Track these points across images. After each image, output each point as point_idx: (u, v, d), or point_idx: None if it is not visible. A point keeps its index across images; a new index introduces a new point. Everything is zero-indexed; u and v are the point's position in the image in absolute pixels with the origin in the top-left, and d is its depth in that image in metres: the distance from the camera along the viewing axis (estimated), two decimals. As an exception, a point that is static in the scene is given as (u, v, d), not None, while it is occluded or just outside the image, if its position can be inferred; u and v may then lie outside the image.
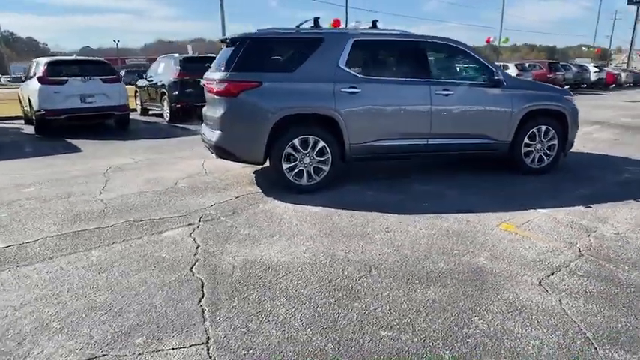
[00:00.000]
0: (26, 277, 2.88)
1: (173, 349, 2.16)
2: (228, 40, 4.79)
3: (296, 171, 4.64)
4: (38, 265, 3.05)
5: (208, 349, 2.15)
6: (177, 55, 11.50)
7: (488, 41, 43.26)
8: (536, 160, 5.43)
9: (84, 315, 2.44)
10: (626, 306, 2.53)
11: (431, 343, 2.20)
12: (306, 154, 4.61)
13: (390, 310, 2.49)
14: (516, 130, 5.20)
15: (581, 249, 3.31)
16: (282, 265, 3.04)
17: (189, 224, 3.83)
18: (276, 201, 4.46)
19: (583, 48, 78.65)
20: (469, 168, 5.74)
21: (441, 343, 2.20)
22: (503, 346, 2.18)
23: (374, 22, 5.09)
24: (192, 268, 3.01)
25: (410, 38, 4.97)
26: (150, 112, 12.70)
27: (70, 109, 8.90)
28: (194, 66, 10.83)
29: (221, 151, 4.63)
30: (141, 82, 12.89)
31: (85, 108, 9.11)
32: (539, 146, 5.39)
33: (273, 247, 3.34)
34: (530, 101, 5.21)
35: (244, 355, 2.12)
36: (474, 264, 3.06)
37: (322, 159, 4.67)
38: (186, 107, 10.73)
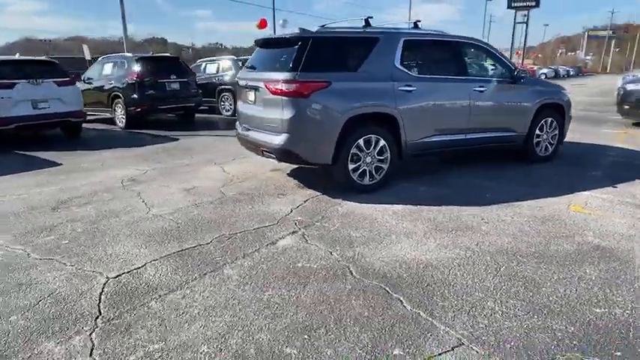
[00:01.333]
0: (189, 308, 2.55)
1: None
2: (285, 39, 4.61)
3: (360, 171, 4.64)
4: (183, 292, 2.71)
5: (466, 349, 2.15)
6: (130, 54, 10.51)
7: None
8: (543, 149, 6.08)
9: (346, 330, 2.27)
10: None
11: (644, 314, 2.45)
12: (368, 153, 4.64)
13: (576, 290, 2.70)
14: (531, 122, 5.77)
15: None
16: (437, 263, 3.08)
17: (293, 232, 3.66)
18: (347, 202, 4.42)
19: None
20: (480, 161, 6.16)
21: (651, 313, 2.45)
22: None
23: (415, 23, 5.26)
24: (354, 273, 2.92)
25: (448, 38, 5.25)
26: (89, 119, 11.38)
27: (20, 117, 7.68)
28: (153, 66, 10.05)
29: (287, 154, 4.44)
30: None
31: (38, 115, 7.92)
32: (545, 136, 6.04)
33: (404, 247, 3.36)
34: (542, 96, 5.83)
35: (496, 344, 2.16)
36: (591, 243, 3.41)
37: (382, 157, 4.74)
38: (147, 111, 9.89)
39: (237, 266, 3.05)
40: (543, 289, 2.72)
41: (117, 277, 2.90)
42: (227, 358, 2.11)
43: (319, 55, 4.37)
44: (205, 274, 2.94)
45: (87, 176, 5.58)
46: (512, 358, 2.09)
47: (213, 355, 2.12)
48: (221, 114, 12.65)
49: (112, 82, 10.30)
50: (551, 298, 2.61)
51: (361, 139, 4.55)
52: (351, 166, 4.57)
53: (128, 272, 2.97)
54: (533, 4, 42.29)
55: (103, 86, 10.58)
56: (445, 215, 4.04)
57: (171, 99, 10.20)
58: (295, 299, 2.62)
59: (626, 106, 9.24)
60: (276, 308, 2.52)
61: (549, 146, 6.14)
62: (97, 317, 2.44)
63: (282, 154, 4.46)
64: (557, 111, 6.10)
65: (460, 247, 3.33)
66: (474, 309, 2.50)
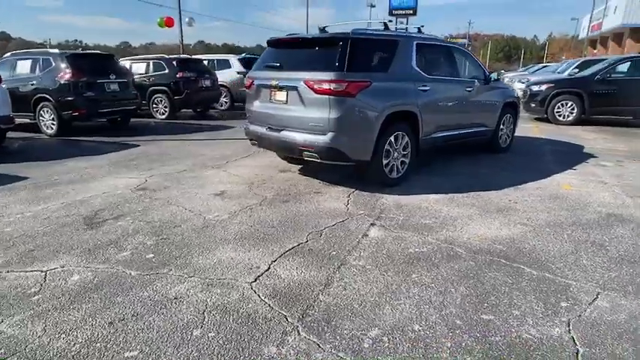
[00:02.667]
0: (369, 297, 2.68)
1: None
2: (321, 39, 4.81)
3: (390, 166, 5.03)
4: (340, 284, 2.81)
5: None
6: (56, 50, 9.26)
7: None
8: (504, 141, 7.16)
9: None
10: None
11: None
12: (396, 149, 5.04)
13: (629, 244, 3.47)
14: (498, 118, 6.77)
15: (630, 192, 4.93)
16: (515, 237, 3.63)
17: (372, 224, 3.90)
18: (386, 195, 4.78)
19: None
20: (458, 154, 6.97)
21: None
22: None
23: (419, 29, 5.78)
24: (463, 253, 3.30)
25: (444, 42, 5.92)
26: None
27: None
28: (88, 65, 9.08)
29: (333, 152, 4.60)
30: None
31: (-37, 122, 6.69)
32: (505, 130, 7.12)
33: (476, 228, 3.85)
34: (505, 95, 6.88)
35: None
36: (602, 212, 4.29)
37: (405, 152, 5.18)
38: (87, 116, 8.91)
39: (358, 257, 3.22)
40: (608, 246, 3.44)
41: (256, 280, 2.87)
42: (447, 336, 2.34)
43: (358, 56, 4.63)
44: (339, 266, 3.06)
45: (82, 189, 5.00)
46: (642, 297, 2.69)
47: (423, 334, 2.34)
48: (154, 117, 11.86)
49: (34, 82, 9.01)
50: (618, 252, 3.32)
51: (392, 136, 4.92)
52: (384, 161, 4.92)
53: (263, 274, 2.94)
54: (411, 12, 46.68)
55: (19, 88, 9.16)
56: (479, 200, 4.64)
57: (111, 101, 9.32)
58: (441, 277, 2.92)
59: (532, 104, 11.13)
60: (435, 287, 2.79)
61: (507, 139, 7.25)
62: (295, 319, 2.44)
63: (329, 152, 4.61)
64: (513, 107, 7.23)
65: (519, 224, 3.94)
66: (579, 266, 3.09)
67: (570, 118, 10.65)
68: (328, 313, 2.49)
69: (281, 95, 4.91)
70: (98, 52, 10.88)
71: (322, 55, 4.71)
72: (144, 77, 11.83)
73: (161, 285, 2.80)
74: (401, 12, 48.01)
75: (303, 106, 4.68)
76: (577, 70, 12.86)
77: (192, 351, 2.15)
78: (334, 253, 3.29)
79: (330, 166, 5.05)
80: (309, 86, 4.56)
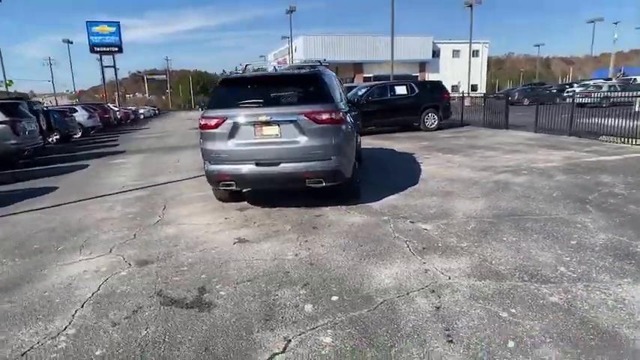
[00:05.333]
0: (515, 254, 3.66)
1: None
2: (297, 75, 5.22)
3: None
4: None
5: None
6: None
7: None
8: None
9: None
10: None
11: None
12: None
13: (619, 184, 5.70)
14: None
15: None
16: (534, 184, 5.29)
17: (396, 220, 4.77)
18: (372, 203, 5.64)
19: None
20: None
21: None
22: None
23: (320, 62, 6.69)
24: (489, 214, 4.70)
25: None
26: None
27: None
28: None
29: (337, 174, 5.05)
30: None
31: None
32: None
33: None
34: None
35: None
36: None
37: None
38: None
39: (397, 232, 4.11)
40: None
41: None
42: None
43: (334, 89, 5.30)
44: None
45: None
46: None
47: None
48: None
49: None
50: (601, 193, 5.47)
51: (354, 152, 5.82)
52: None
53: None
54: (117, 49, 44.60)
55: None
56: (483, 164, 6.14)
57: None
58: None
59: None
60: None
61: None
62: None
63: (334, 175, 5.04)
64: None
65: (528, 175, 5.64)
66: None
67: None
68: (526, 268, 3.38)
69: (271, 130, 4.97)
70: None
71: (307, 88, 5.11)
72: None
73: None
74: (105, 49, 45.22)
75: (304, 136, 4.95)
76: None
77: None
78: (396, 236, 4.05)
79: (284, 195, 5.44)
80: (310, 118, 4.90)
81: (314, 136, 4.96)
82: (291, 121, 4.94)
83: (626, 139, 9.84)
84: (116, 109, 32.42)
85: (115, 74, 48.27)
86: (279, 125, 4.96)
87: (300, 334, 2.64)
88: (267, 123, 4.96)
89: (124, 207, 6.12)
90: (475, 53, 38.75)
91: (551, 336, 2.48)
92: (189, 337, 2.67)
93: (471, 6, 33.64)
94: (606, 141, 10.31)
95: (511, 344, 2.43)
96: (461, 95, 17.52)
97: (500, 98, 16.04)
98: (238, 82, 5.32)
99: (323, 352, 2.45)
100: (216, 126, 5.07)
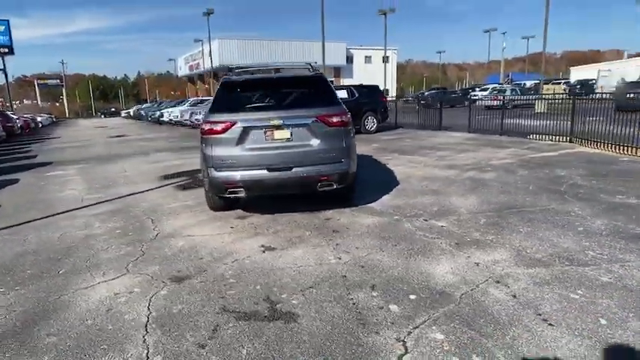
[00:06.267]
0: (543, 242, 4.02)
1: None
2: (302, 78, 5.34)
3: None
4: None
5: None
6: None
7: None
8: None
9: None
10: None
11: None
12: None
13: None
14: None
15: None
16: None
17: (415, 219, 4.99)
18: (372, 204, 5.77)
19: None
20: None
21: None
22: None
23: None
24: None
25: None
26: None
27: None
28: None
29: (350, 176, 5.09)
30: None
31: None
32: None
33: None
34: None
35: None
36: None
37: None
38: None
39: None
40: (553, 169, 6.10)
41: (508, 273, 3.61)
42: None
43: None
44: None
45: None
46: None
47: (591, 238, 4.07)
48: None
49: None
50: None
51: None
52: (354, 178, 5.81)
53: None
54: (7, 50, 39.54)
55: None
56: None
57: None
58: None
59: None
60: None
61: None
62: None
63: (346, 177, 5.06)
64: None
65: (493, 172, 6.05)
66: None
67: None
68: (562, 253, 3.74)
69: (283, 134, 4.85)
70: None
71: (314, 91, 5.09)
72: None
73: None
74: (-9, 49, 39.59)
75: (317, 140, 4.90)
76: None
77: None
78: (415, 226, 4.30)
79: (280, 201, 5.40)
80: (323, 121, 4.88)
81: (326, 139, 4.94)
82: (303, 125, 4.87)
83: (552, 137, 11.18)
84: (15, 117, 28.63)
85: (6, 78, 42.58)
86: (290, 129, 4.86)
87: (409, 334, 2.65)
88: (279, 127, 4.83)
89: (103, 222, 5.51)
90: (385, 59, 41.13)
91: (630, 311, 2.79)
92: (299, 349, 2.54)
93: (385, 14, 35.51)
94: (535, 139, 11.60)
95: (603, 321, 2.69)
96: (394, 99, 18.53)
97: (411, 102, 17.40)
98: (242, 85, 5.11)
99: (445, 348, 2.49)
100: (224, 131, 4.81)
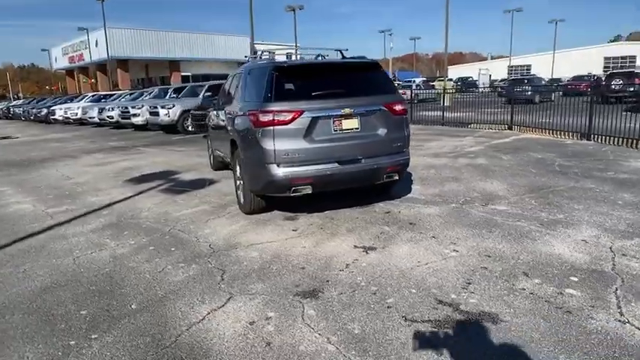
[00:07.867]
0: None
1: None
2: (359, 64, 4.94)
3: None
4: (602, 220, 4.30)
5: None
6: None
7: None
8: None
9: None
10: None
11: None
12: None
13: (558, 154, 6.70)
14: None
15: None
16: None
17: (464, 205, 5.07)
18: (409, 195, 5.68)
19: None
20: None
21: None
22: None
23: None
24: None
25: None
26: None
27: None
28: None
29: (406, 167, 4.97)
30: None
31: None
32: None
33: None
34: None
35: None
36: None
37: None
38: None
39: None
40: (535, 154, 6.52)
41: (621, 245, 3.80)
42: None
43: (389, 78, 5.13)
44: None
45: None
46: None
47: None
48: None
49: None
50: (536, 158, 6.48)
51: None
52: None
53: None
54: None
55: None
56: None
57: None
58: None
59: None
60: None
61: None
62: None
63: (406, 168, 4.92)
64: None
65: (481, 158, 6.29)
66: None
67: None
68: None
69: (351, 123, 4.49)
70: None
71: (373, 78, 4.81)
72: None
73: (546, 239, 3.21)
74: None
75: (384, 129, 4.64)
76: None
77: None
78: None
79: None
80: (389, 109, 4.63)
81: (392, 128, 4.71)
82: (371, 113, 4.58)
83: (492, 126, 12.27)
84: None
85: None
86: (358, 117, 4.52)
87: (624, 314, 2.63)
88: (348, 116, 4.45)
89: (119, 239, 4.52)
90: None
91: None
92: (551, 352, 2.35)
93: (293, 10, 35.43)
94: (478, 128, 12.60)
95: None
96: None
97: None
98: (298, 71, 4.59)
99: (675, 325, 2.52)
100: (291, 121, 4.28)
